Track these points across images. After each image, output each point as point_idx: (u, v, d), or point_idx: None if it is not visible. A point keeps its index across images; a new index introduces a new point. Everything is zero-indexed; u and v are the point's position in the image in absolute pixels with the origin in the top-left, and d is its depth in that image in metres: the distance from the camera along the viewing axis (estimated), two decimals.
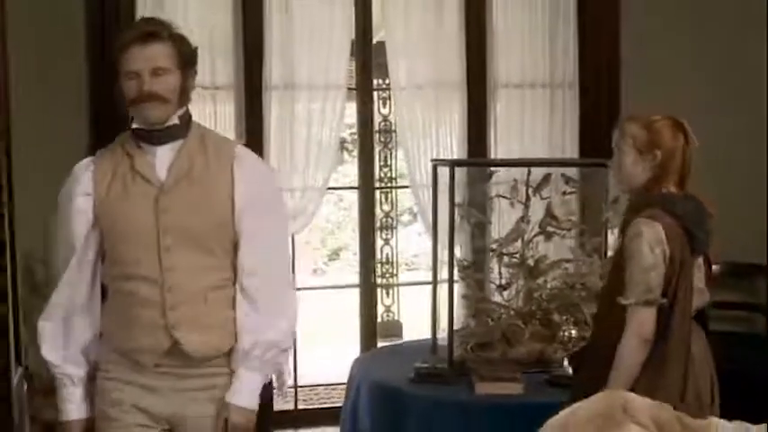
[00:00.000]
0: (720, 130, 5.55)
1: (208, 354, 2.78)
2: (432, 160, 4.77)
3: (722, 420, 2.69)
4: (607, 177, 3.82)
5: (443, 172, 4.28)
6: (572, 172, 4.39)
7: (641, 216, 3.12)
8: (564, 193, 4.27)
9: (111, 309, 2.83)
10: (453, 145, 5.49)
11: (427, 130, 5.46)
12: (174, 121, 2.80)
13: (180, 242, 2.74)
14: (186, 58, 2.78)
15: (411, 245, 9.89)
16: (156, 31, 2.73)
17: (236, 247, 2.82)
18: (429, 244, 4.61)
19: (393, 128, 7.57)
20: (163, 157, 2.80)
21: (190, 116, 2.88)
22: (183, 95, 2.80)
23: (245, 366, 2.79)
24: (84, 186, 2.80)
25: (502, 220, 4.91)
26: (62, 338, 2.81)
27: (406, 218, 10.57)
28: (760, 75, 5.58)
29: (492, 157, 5.49)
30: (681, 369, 3.17)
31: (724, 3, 5.64)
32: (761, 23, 5.52)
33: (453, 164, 4.14)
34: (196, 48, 2.86)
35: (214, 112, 5.11)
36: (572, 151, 5.54)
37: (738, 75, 5.65)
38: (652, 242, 3.09)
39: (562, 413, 2.64)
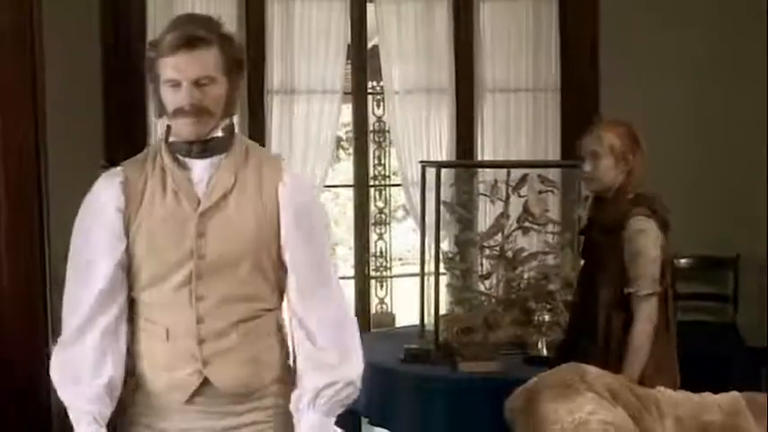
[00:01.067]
0: (693, 130, 5.86)
1: (243, 390, 2.42)
2: (420, 162, 5.07)
3: (668, 390, 3.06)
4: (579, 178, 4.11)
5: (431, 172, 4.60)
6: (547, 172, 4.69)
7: (638, 214, 3.42)
8: (540, 192, 4.58)
9: (136, 340, 2.43)
10: (443, 146, 5.75)
11: (418, 132, 5.72)
12: (217, 133, 2.42)
13: (215, 269, 2.37)
14: (235, 63, 2.41)
15: (405, 240, 10.16)
16: (203, 35, 2.33)
17: (277, 275, 2.46)
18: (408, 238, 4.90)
19: (387, 128, 7.86)
20: (202, 174, 2.41)
21: (233, 127, 2.49)
22: (229, 105, 2.43)
23: (315, 409, 2.41)
24: (113, 200, 2.40)
25: (485, 216, 5.18)
26: (83, 371, 2.37)
27: (400, 214, 10.84)
28: (736, 76, 5.83)
29: (479, 157, 5.75)
30: (675, 349, 3.50)
31: (702, 9, 5.87)
32: (740, 25, 5.80)
33: (440, 165, 4.48)
34: (245, 49, 2.53)
35: None
36: (554, 152, 5.79)
37: (713, 77, 5.86)
38: (654, 237, 3.41)
39: (530, 381, 3.01)
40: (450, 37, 5.78)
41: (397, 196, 9.33)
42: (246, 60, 2.46)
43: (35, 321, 3.16)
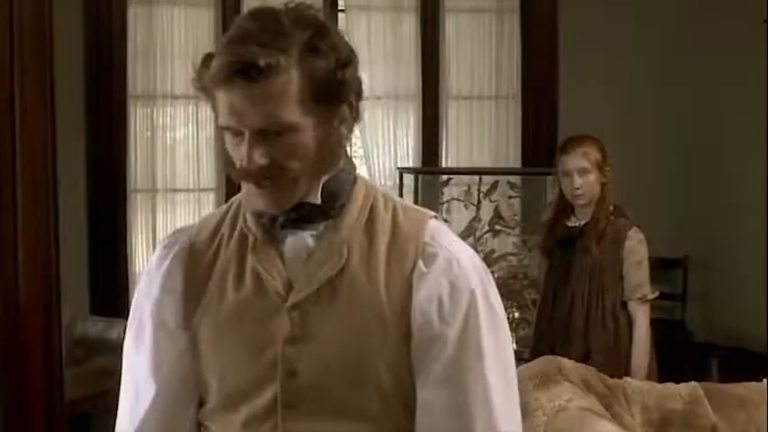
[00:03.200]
0: (647, 137, 6.14)
1: None
2: (398, 168, 5.30)
3: (634, 380, 3.36)
4: (545, 183, 4.37)
5: (408, 178, 4.84)
6: (516, 179, 4.95)
7: (633, 225, 3.71)
8: (510, 198, 4.85)
9: None
10: (410, 151, 5.94)
11: (386, 137, 5.92)
12: (313, 198, 1.57)
13: (315, 395, 1.53)
14: (331, 88, 1.50)
15: None
16: (269, 62, 1.44)
17: (407, 401, 1.55)
18: None
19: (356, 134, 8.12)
20: (299, 248, 1.57)
21: (346, 181, 1.60)
22: (329, 152, 1.54)
23: None
24: (171, 280, 1.62)
25: (457, 219, 5.34)
26: None
27: None
28: (687, 79, 6.07)
29: (443, 162, 5.95)
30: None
31: (660, 15, 6.11)
32: (697, 29, 6.04)
33: (417, 172, 4.74)
34: (352, 59, 1.54)
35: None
36: (515, 157, 6.00)
37: (667, 86, 6.12)
38: (646, 246, 3.73)
39: None
40: (417, 46, 5.98)
41: None
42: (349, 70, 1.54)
43: (50, 313, 3.30)
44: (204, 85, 1.51)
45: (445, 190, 5.16)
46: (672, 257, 6.05)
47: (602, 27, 6.09)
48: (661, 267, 6.01)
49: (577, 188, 3.74)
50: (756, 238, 5.72)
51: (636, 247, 3.69)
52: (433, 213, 1.65)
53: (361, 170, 6.96)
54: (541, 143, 5.83)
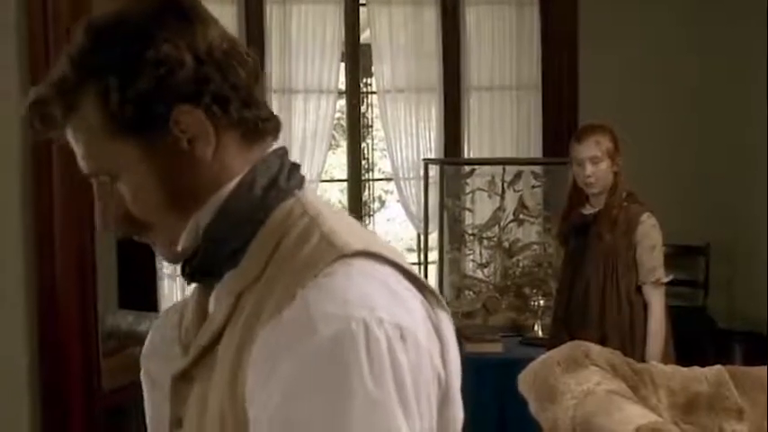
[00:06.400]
0: (668, 126, 6.14)
1: None
2: (423, 159, 5.34)
3: (660, 364, 3.41)
4: (567, 173, 4.40)
5: (433, 169, 4.88)
6: (539, 169, 5.00)
7: (647, 211, 3.78)
8: (533, 187, 4.91)
9: None
10: (432, 142, 5.99)
11: (409, 129, 5.96)
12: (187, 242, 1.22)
13: None
14: (136, 104, 1.15)
15: (381, 229, 10.52)
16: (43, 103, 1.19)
17: None
18: (397, 229, 5.19)
19: (370, 123, 8.17)
20: (220, 299, 1.22)
21: (244, 214, 1.18)
22: (185, 184, 1.19)
23: None
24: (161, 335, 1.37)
25: (481, 209, 5.45)
26: None
27: (375, 205, 11.19)
28: (710, 72, 6.09)
29: (465, 152, 6.00)
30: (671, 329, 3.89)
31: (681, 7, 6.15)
32: (718, 23, 6.05)
33: (443, 163, 4.79)
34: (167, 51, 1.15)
35: None
36: (536, 147, 6.02)
37: (685, 77, 6.12)
38: (660, 231, 3.79)
39: (539, 358, 3.34)
40: (438, 38, 6.02)
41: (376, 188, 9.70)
42: None
43: (86, 307, 3.40)
44: None
45: (469, 180, 5.20)
46: (694, 245, 6.07)
47: (621, 17, 6.11)
48: (683, 255, 6.08)
49: (589, 176, 3.79)
50: None
51: (649, 232, 3.74)
52: (349, 250, 1.13)
53: (384, 163, 7.05)
54: (562, 133, 5.85)
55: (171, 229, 1.19)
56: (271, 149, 1.22)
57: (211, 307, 1.23)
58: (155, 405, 1.33)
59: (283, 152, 1.24)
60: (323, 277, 1.08)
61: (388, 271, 1.13)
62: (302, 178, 1.23)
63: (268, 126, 1.22)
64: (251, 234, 1.17)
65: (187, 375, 1.22)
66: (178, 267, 1.25)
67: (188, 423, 1.22)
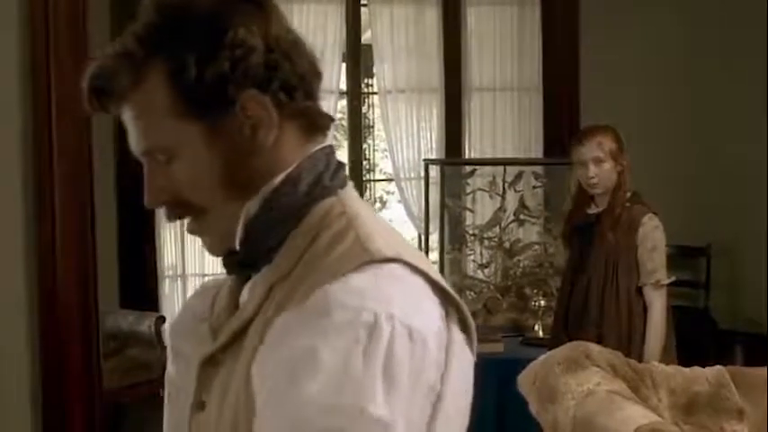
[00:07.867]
0: (668, 127, 6.14)
1: None
2: (424, 160, 5.36)
3: (661, 364, 3.40)
4: (569, 173, 4.40)
5: (434, 170, 4.89)
6: (540, 169, 5.00)
7: (649, 212, 3.76)
8: (534, 187, 4.90)
9: None
10: (433, 142, 6.00)
11: (410, 130, 5.97)
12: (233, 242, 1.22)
13: None
14: (207, 86, 1.15)
15: None
16: (108, 86, 1.17)
17: None
18: (398, 229, 5.20)
19: (371, 124, 8.19)
20: (253, 290, 1.23)
21: (285, 211, 1.19)
22: (243, 171, 1.19)
23: None
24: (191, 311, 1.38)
25: (482, 209, 5.43)
26: None
27: (376, 206, 11.19)
28: (709, 75, 6.08)
29: (466, 153, 6.02)
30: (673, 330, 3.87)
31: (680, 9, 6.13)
32: (719, 26, 6.05)
33: (444, 163, 4.80)
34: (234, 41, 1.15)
35: None
36: (537, 148, 6.05)
37: (685, 77, 6.13)
38: (663, 232, 3.77)
39: (539, 359, 3.33)
40: (439, 39, 6.03)
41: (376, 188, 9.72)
42: None
43: (87, 307, 3.40)
44: None
45: (470, 180, 5.20)
46: (695, 246, 6.05)
47: (621, 18, 6.11)
48: (684, 255, 6.06)
49: (592, 177, 3.79)
50: None
51: (650, 233, 3.73)
52: (378, 255, 1.12)
53: (385, 163, 7.04)
54: (563, 134, 5.85)
55: (225, 219, 1.19)
56: (319, 147, 1.23)
57: (244, 297, 1.24)
58: (180, 375, 1.34)
59: (330, 150, 1.24)
60: (350, 275, 1.09)
61: (416, 280, 1.13)
62: (345, 177, 1.24)
63: (325, 121, 1.24)
64: (290, 229, 1.18)
65: (214, 360, 1.23)
66: (178, 268, 1.23)
67: (210, 407, 1.23)
